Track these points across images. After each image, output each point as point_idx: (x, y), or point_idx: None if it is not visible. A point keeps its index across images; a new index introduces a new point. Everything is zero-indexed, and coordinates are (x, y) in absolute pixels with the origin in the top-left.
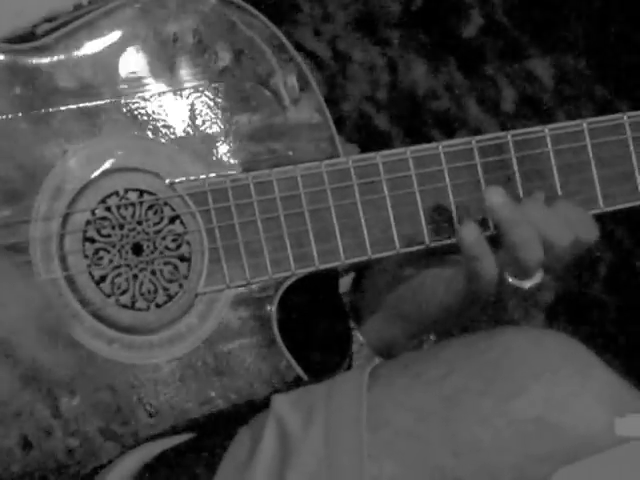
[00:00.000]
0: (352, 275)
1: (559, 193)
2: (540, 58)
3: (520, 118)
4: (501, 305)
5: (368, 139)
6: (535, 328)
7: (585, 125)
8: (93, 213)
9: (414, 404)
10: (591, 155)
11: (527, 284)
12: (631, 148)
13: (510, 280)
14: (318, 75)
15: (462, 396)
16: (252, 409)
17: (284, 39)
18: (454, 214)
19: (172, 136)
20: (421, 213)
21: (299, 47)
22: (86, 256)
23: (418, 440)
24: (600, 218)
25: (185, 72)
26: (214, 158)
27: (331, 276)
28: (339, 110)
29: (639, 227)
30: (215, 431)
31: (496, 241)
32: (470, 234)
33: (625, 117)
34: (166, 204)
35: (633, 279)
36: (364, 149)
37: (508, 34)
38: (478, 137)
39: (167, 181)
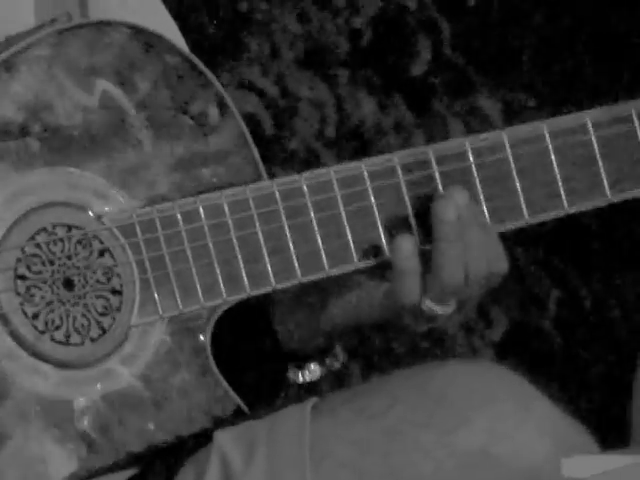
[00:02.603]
0: None
1: (483, 206)
2: (488, 94)
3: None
4: (406, 326)
5: None
6: (477, 360)
7: (505, 137)
8: (23, 250)
9: (357, 437)
10: (513, 166)
11: (440, 310)
12: (552, 157)
13: (427, 302)
14: (265, 112)
15: (404, 428)
16: (196, 443)
17: (201, 65)
18: (382, 235)
19: (97, 168)
20: (348, 233)
21: (246, 84)
22: (18, 293)
23: (360, 474)
24: (548, 256)
25: (105, 104)
26: (140, 189)
27: (264, 307)
28: (287, 148)
29: (588, 266)
30: (159, 466)
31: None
32: (406, 243)
33: (544, 127)
34: (95, 237)
35: (581, 317)
36: None
37: (457, 71)
38: (400, 153)
39: (92, 214)
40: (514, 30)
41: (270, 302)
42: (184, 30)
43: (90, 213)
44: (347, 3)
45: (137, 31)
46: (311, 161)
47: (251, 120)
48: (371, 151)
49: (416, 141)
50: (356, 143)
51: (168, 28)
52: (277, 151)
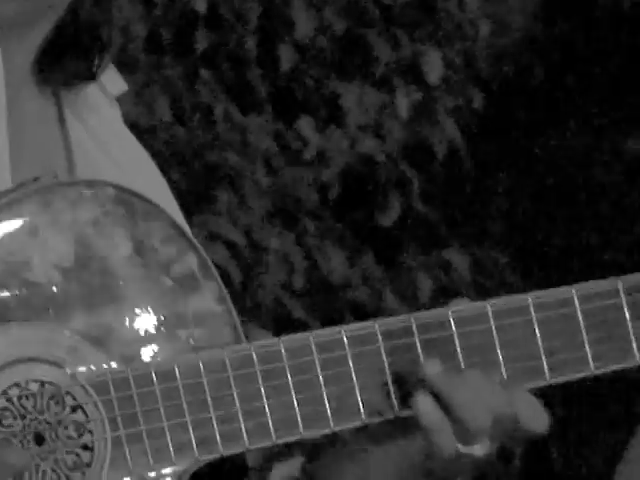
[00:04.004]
0: (301, 459)
1: None
2: (458, 249)
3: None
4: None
5: (284, 328)
6: None
7: (489, 307)
8: None
9: None
10: (495, 336)
11: (478, 451)
12: (536, 329)
13: (460, 447)
14: (234, 264)
15: None
16: None
17: (183, 227)
18: (359, 400)
19: (73, 326)
20: (324, 397)
21: (215, 236)
22: None
23: None
24: None
25: (87, 263)
26: (116, 347)
27: (238, 465)
28: (255, 298)
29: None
30: None
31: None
32: (426, 404)
33: (529, 299)
34: (68, 394)
35: (548, 472)
36: None
37: (426, 224)
38: (381, 320)
39: (68, 371)
40: (484, 184)
41: None
42: None
43: (64, 370)
44: (316, 156)
45: (122, 192)
46: (279, 312)
47: (219, 271)
48: (339, 303)
49: (385, 295)
50: (324, 295)
51: (160, 188)
52: (245, 302)
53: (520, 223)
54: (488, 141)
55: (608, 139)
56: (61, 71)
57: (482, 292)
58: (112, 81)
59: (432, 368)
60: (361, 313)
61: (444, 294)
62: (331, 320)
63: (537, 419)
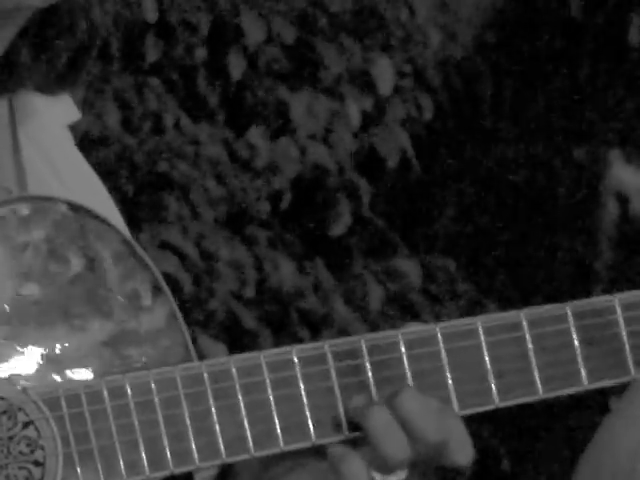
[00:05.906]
0: (215, 471)
1: None
2: (408, 257)
3: (387, 317)
4: None
5: (235, 338)
6: None
7: (438, 330)
8: None
9: None
10: (445, 359)
11: (392, 479)
12: (484, 352)
13: (374, 475)
14: (184, 273)
15: None
16: None
17: (137, 246)
18: (310, 422)
19: (25, 342)
20: (275, 417)
21: (165, 246)
22: None
23: None
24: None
25: (38, 279)
26: (67, 363)
27: None
28: (206, 309)
29: (502, 428)
30: None
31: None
32: (344, 454)
33: (478, 323)
34: (20, 409)
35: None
36: (231, 348)
37: (376, 232)
38: (331, 341)
39: (19, 386)
40: (434, 193)
41: None
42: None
43: (16, 385)
44: (267, 165)
45: (75, 208)
46: (230, 321)
47: (170, 280)
48: (290, 312)
49: (335, 303)
50: (275, 304)
51: (109, 212)
52: (196, 312)
53: (469, 231)
54: (438, 150)
55: (557, 148)
56: (18, 75)
57: (432, 299)
58: (67, 108)
59: (355, 401)
60: (312, 322)
61: (394, 302)
62: (282, 329)
63: (463, 451)
